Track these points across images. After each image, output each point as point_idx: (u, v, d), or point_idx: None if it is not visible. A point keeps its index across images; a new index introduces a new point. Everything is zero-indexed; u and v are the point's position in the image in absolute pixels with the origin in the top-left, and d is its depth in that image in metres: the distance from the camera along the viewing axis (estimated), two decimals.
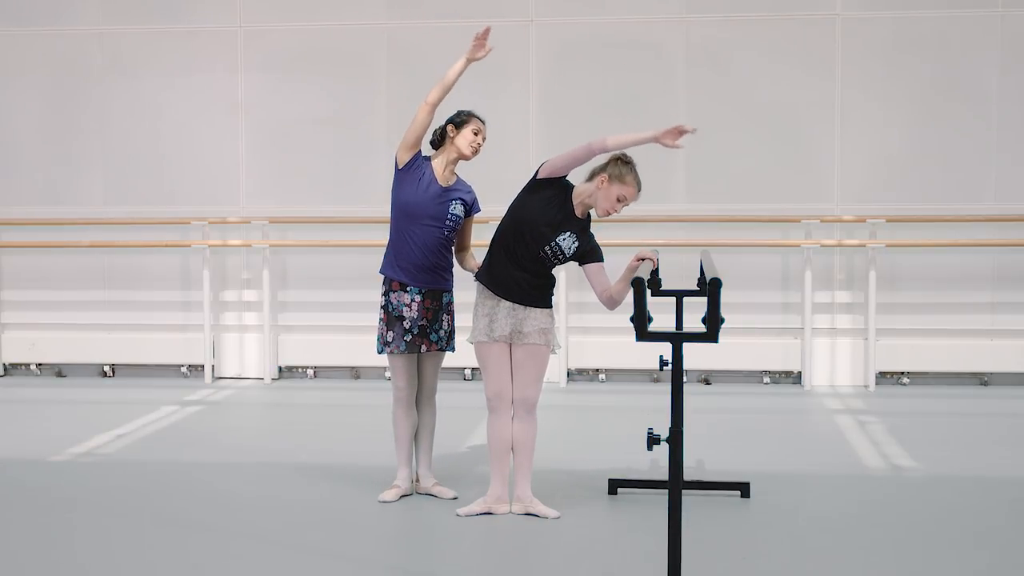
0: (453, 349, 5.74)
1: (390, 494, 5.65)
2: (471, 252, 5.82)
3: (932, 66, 9.03)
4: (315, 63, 9.47)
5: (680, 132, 4.99)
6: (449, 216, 5.58)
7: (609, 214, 5.26)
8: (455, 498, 5.64)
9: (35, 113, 9.72)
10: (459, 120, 5.60)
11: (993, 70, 8.99)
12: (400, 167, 5.60)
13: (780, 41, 9.13)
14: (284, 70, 9.51)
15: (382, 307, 5.64)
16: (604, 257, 5.34)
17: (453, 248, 5.72)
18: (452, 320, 5.72)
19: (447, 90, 5.50)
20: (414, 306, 5.59)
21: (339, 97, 9.47)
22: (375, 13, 9.42)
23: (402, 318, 5.59)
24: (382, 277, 5.67)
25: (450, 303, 5.71)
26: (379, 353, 5.69)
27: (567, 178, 5.31)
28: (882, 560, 4.78)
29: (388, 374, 5.83)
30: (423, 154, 5.64)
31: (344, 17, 9.43)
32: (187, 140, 9.60)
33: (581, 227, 5.31)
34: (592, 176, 5.29)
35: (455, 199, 5.60)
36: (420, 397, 5.78)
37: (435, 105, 5.50)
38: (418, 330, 5.60)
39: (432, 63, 9.26)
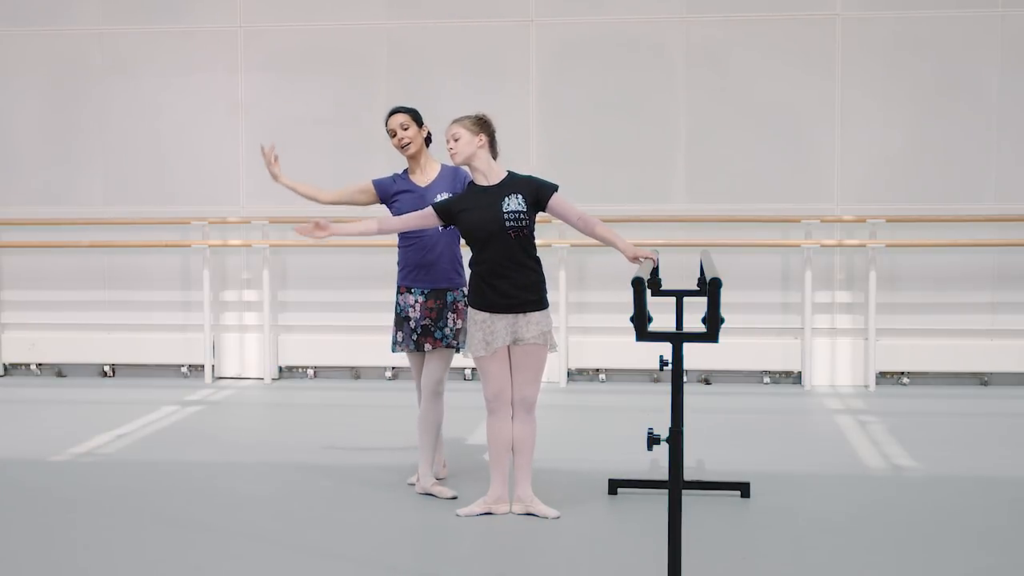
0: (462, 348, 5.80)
1: (427, 485, 5.72)
2: None
3: (932, 66, 9.03)
4: (315, 63, 9.46)
5: None
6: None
7: (468, 152, 5.30)
8: (455, 498, 5.64)
9: (35, 113, 9.72)
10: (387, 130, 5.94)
11: (993, 70, 8.98)
12: (383, 203, 5.93)
13: (780, 41, 9.12)
14: (284, 70, 9.51)
15: (394, 311, 5.88)
16: (558, 186, 5.35)
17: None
18: (461, 319, 5.78)
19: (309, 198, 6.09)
20: (417, 307, 5.75)
21: (339, 97, 9.46)
22: (375, 13, 9.41)
23: (407, 318, 5.78)
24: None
25: (456, 303, 5.76)
26: (392, 352, 5.92)
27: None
28: (882, 560, 4.78)
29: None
30: (382, 179, 5.93)
31: (344, 17, 9.42)
32: (187, 140, 9.59)
33: (510, 186, 5.31)
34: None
35: (438, 192, 5.73)
36: (424, 394, 5.81)
37: (325, 203, 6.10)
38: (421, 329, 5.74)
39: (432, 63, 9.30)
